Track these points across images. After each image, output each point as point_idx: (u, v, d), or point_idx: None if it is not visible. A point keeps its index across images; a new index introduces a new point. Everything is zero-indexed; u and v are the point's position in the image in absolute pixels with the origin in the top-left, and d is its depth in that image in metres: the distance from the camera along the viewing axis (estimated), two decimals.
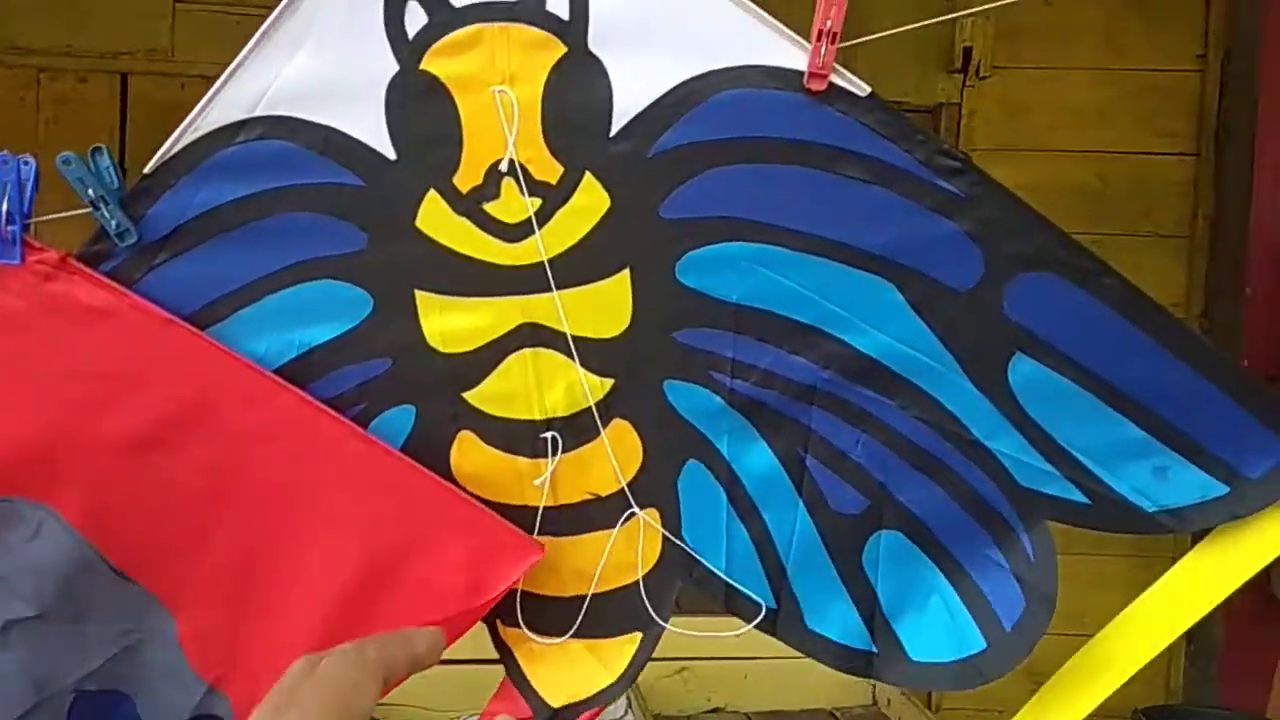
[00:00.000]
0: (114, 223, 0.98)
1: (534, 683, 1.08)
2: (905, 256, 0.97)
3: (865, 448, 1.01)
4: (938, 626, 1.03)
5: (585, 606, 1.06)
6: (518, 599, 1.07)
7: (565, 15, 0.94)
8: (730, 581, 1.05)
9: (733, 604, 1.06)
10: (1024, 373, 0.97)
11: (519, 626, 1.08)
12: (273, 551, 1.03)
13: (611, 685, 1.07)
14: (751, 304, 0.99)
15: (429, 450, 1.02)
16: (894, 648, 1.04)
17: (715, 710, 2.74)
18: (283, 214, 0.99)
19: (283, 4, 0.96)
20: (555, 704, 1.07)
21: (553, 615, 1.07)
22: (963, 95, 3.07)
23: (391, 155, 0.98)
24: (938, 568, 1.03)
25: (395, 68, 0.96)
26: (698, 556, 1.05)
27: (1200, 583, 0.99)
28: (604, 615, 1.07)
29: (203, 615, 1.04)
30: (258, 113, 0.98)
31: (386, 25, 0.96)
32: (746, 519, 1.04)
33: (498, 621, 1.09)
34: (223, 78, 0.98)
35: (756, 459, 1.03)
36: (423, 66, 0.96)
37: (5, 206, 0.97)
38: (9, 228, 0.97)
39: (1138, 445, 0.96)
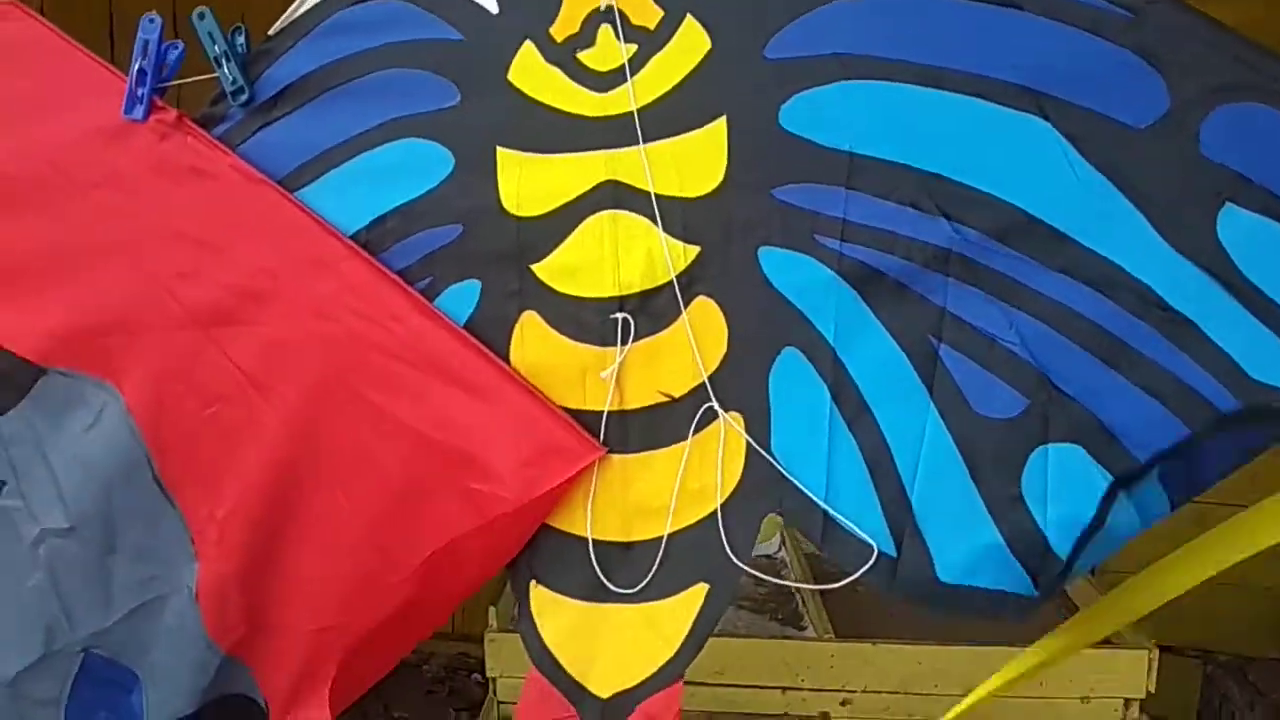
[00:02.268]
0: (231, 79, 1.00)
1: (569, 669, 0.90)
2: (1060, 88, 0.79)
3: (1021, 329, 0.80)
4: None
5: (659, 556, 0.87)
6: (590, 548, 0.90)
7: None
8: (832, 513, 0.83)
9: (833, 544, 0.84)
10: (1239, 226, 0.75)
11: (558, 590, 0.91)
12: (312, 470, 0.96)
13: (671, 661, 0.87)
14: (868, 152, 0.84)
15: (492, 331, 0.93)
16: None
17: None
18: (384, 70, 0.98)
19: None
20: (603, 694, 0.88)
21: (601, 567, 0.90)
22: None
23: (494, 9, 0.95)
24: (1128, 494, 0.79)
25: None
26: (789, 476, 0.85)
27: None
28: (666, 566, 0.88)
29: (226, 562, 0.97)
30: None
31: None
32: (857, 427, 0.84)
33: (532, 582, 0.93)
34: None
35: (873, 346, 0.83)
36: None
37: (140, 64, 1.01)
38: (140, 89, 1.01)
39: None
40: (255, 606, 0.97)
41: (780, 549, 2.38)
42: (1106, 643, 2.00)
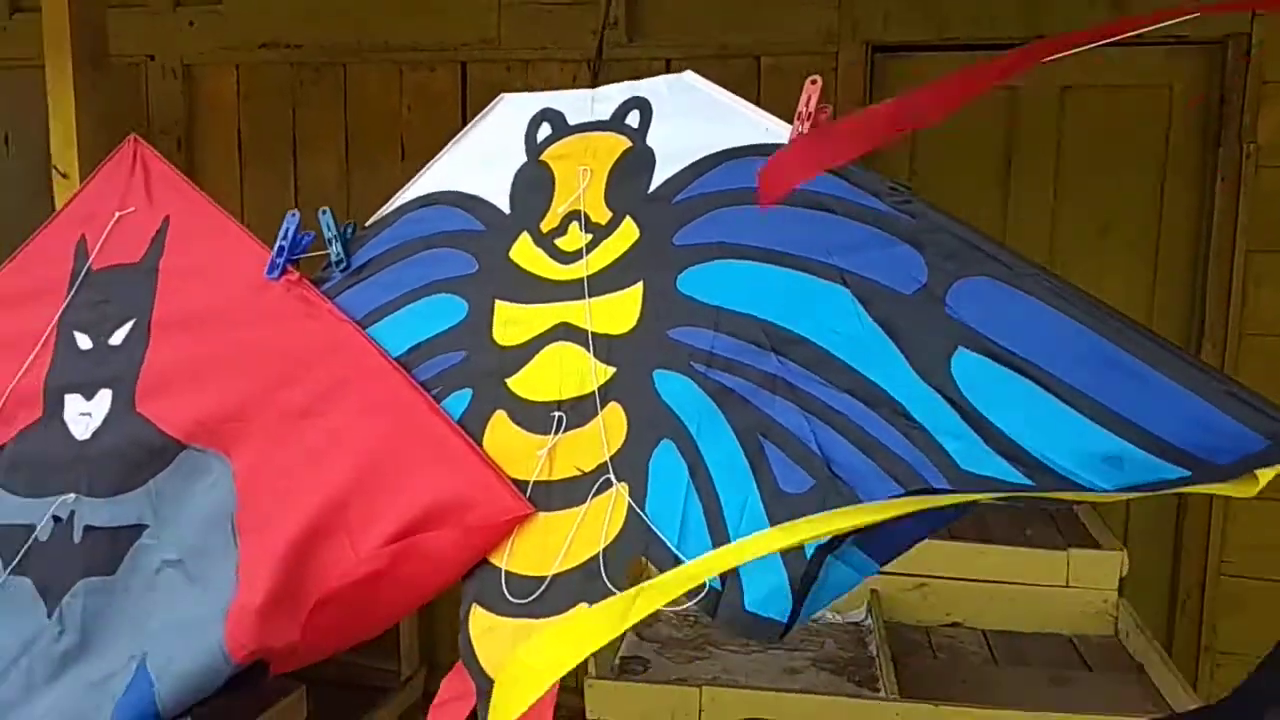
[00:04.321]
0: (336, 255, 1.46)
1: (483, 662, 1.20)
2: (860, 268, 1.14)
3: (815, 431, 1.12)
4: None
5: (546, 584, 1.19)
6: (503, 578, 1.22)
7: (635, 125, 1.36)
8: (680, 557, 1.13)
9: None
10: (966, 364, 1.05)
11: (487, 608, 1.22)
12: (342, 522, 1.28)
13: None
14: (730, 306, 1.21)
15: (474, 424, 1.31)
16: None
17: (954, 625, 2.67)
18: (430, 250, 1.44)
19: (459, 135, 1.49)
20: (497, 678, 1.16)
21: (515, 593, 1.21)
22: (1252, 25, 2.88)
23: (507, 210, 1.38)
24: (835, 556, 1.07)
25: (524, 160, 1.42)
26: (656, 530, 1.17)
27: None
28: (561, 592, 1.19)
29: (254, 595, 1.28)
30: (430, 190, 1.46)
31: (525, 139, 1.43)
32: (703, 496, 1.16)
33: (474, 605, 1.23)
34: (416, 176, 1.49)
35: (721, 440, 1.17)
36: (541, 159, 1.41)
37: (281, 242, 1.48)
38: (279, 259, 1.47)
39: (1086, 435, 0.97)
40: (270, 630, 1.26)
41: (866, 617, 2.67)
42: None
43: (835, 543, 1.07)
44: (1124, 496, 0.95)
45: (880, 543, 1.08)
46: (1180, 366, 0.95)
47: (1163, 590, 3.26)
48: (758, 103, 1.30)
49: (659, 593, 0.90)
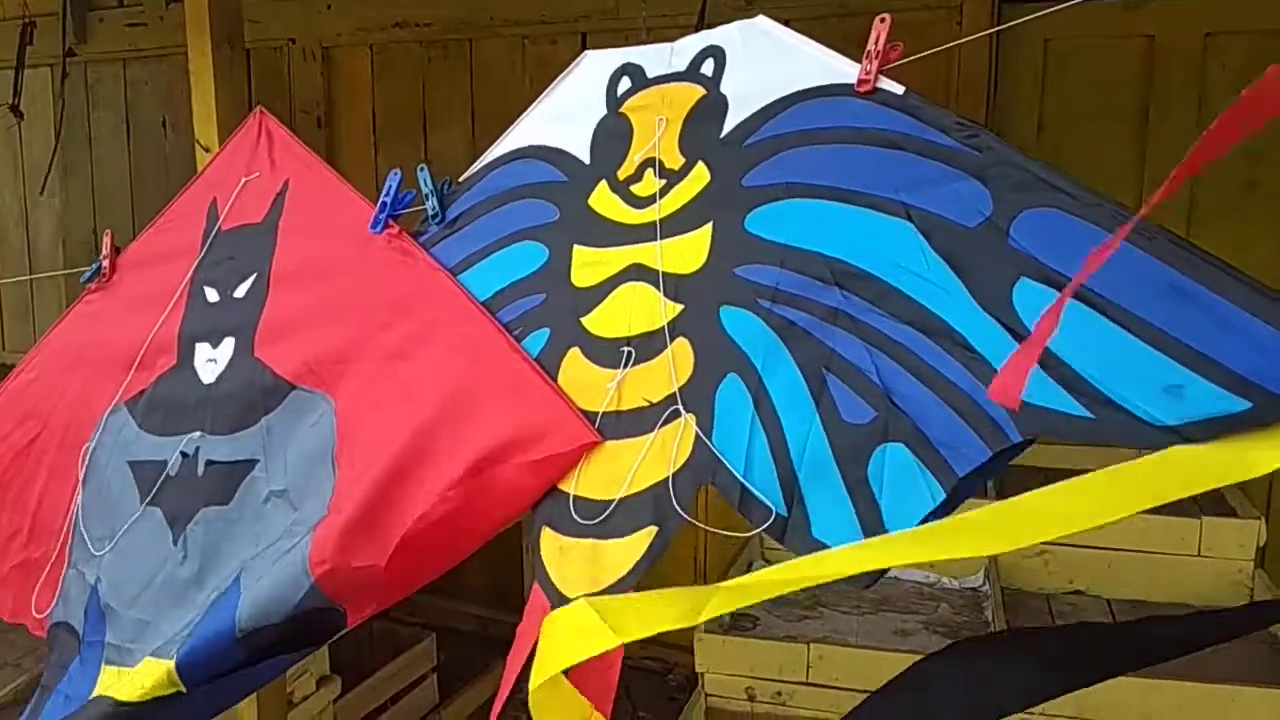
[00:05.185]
0: (433, 210, 1.54)
1: (555, 581, 1.25)
2: (925, 203, 1.13)
3: (876, 362, 1.12)
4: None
5: (612, 507, 1.23)
6: (570, 501, 1.27)
7: (710, 73, 1.38)
8: (746, 485, 1.16)
9: (746, 507, 1.17)
10: (1029, 294, 1.03)
11: (556, 529, 1.26)
12: (431, 448, 1.34)
13: (624, 577, 1.20)
14: (797, 244, 1.22)
15: (550, 360, 1.36)
16: None
17: (1076, 593, 2.63)
18: (516, 201, 1.49)
19: (545, 92, 1.54)
20: (571, 595, 1.21)
21: (582, 515, 1.25)
22: None
23: (587, 160, 1.43)
24: (934, 477, 1.06)
25: (604, 112, 1.46)
26: (723, 458, 1.19)
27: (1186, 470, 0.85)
28: (628, 514, 1.23)
29: (340, 515, 1.35)
30: (517, 146, 1.52)
31: (607, 92, 1.47)
32: (768, 428, 1.17)
33: (544, 528, 1.28)
34: (505, 133, 1.55)
35: (784, 373, 1.18)
36: (620, 111, 1.44)
37: (384, 199, 1.56)
38: (382, 214, 1.56)
39: (1148, 363, 0.94)
40: (348, 549, 1.33)
41: (984, 583, 2.66)
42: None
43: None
44: (1181, 446, 0.87)
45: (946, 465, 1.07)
46: (1252, 296, 0.91)
47: None
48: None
49: (736, 595, 0.90)
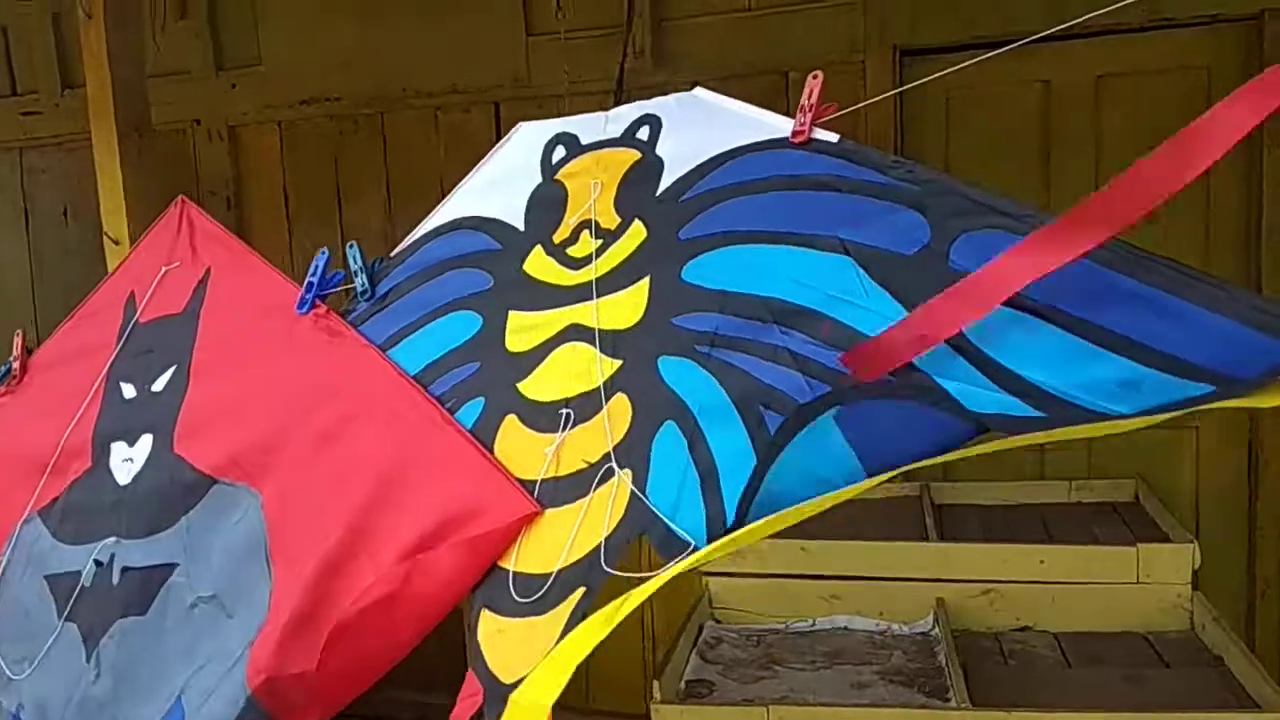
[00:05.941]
0: (362, 287, 1.50)
1: (492, 666, 1.20)
2: (863, 237, 1.15)
3: (816, 391, 1.13)
4: None
5: (550, 581, 1.19)
6: (510, 579, 1.23)
7: (645, 138, 1.39)
8: (670, 524, 1.14)
9: (665, 547, 1.14)
10: None
11: (495, 611, 1.22)
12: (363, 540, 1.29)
13: (553, 646, 1.15)
14: (734, 288, 1.22)
15: (486, 431, 1.33)
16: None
17: (1024, 629, 2.62)
18: (449, 271, 1.47)
19: (479, 164, 1.53)
20: (507, 681, 1.17)
21: (521, 592, 1.21)
22: None
23: (521, 227, 1.41)
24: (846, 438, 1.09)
25: (540, 180, 1.45)
26: (654, 509, 1.17)
27: None
28: (564, 586, 1.19)
29: (280, 618, 1.29)
30: (451, 218, 1.50)
31: (542, 161, 1.46)
32: (701, 466, 1.16)
33: (483, 610, 1.24)
34: (438, 206, 1.53)
35: (720, 413, 1.18)
36: (556, 178, 1.44)
37: (310, 279, 1.52)
38: (308, 294, 1.51)
39: (1100, 364, 0.97)
40: (286, 656, 1.26)
41: (934, 627, 2.64)
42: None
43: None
44: (1144, 421, 0.93)
45: (868, 431, 1.07)
46: (1200, 288, 0.95)
47: (1241, 582, 3.15)
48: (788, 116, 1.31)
49: (641, 594, 0.95)
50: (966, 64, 1.32)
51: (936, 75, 1.40)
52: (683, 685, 2.53)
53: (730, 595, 2.64)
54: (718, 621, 2.90)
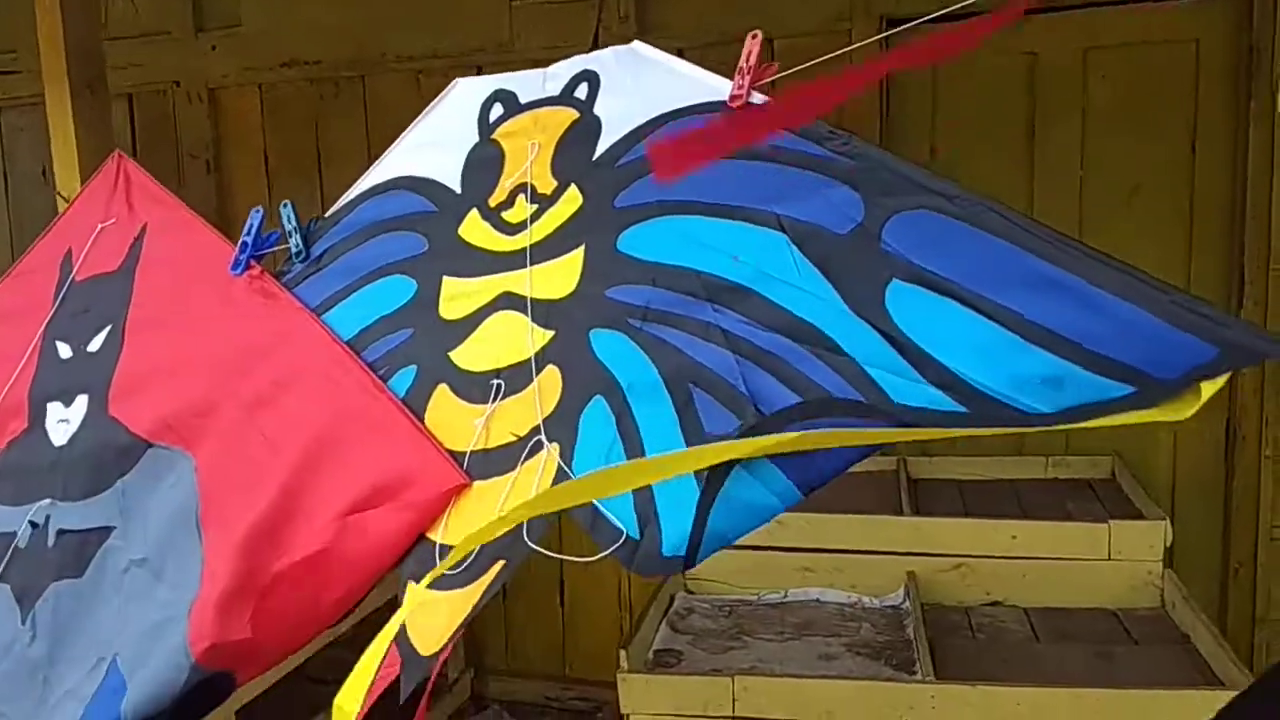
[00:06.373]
0: (297, 248, 1.46)
1: (412, 636, 1.17)
2: (798, 213, 1.11)
3: (744, 372, 1.08)
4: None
5: (474, 554, 1.15)
6: (437, 551, 1.20)
7: (584, 96, 1.35)
8: (598, 507, 1.10)
9: (598, 531, 1.11)
10: (900, 295, 1.02)
11: (419, 584, 1.18)
12: (302, 506, 1.26)
13: (468, 615, 1.14)
14: (669, 261, 1.18)
15: (418, 399, 1.29)
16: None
17: (994, 604, 2.63)
18: (383, 234, 1.42)
19: (414, 122, 1.48)
20: (425, 653, 1.15)
21: (450, 566, 1.18)
22: None
23: (458, 190, 1.37)
24: (784, 473, 1.03)
25: (476, 140, 1.41)
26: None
27: None
28: (488, 558, 1.16)
29: (214, 587, 1.26)
30: (386, 177, 1.46)
31: (479, 119, 1.41)
32: (628, 444, 1.12)
33: (409, 584, 1.21)
34: (373, 165, 1.49)
35: (649, 390, 1.14)
36: (492, 138, 1.39)
37: (245, 239, 1.48)
38: (243, 255, 1.48)
39: (1024, 358, 0.94)
40: (227, 623, 1.23)
41: (904, 600, 2.64)
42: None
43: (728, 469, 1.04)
44: (1064, 426, 0.90)
45: (800, 464, 1.04)
46: (1126, 282, 0.91)
47: (1215, 563, 3.13)
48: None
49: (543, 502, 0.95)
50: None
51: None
52: (651, 655, 2.53)
53: (703, 566, 2.61)
54: (690, 592, 2.89)
